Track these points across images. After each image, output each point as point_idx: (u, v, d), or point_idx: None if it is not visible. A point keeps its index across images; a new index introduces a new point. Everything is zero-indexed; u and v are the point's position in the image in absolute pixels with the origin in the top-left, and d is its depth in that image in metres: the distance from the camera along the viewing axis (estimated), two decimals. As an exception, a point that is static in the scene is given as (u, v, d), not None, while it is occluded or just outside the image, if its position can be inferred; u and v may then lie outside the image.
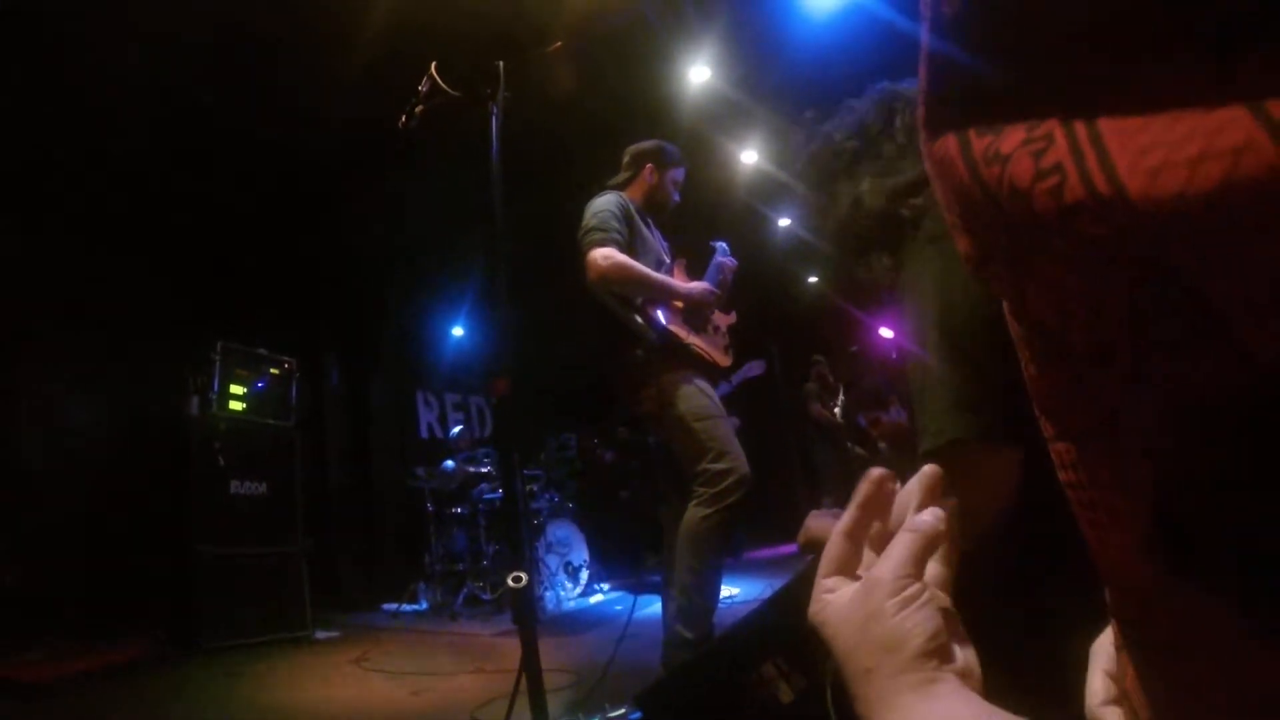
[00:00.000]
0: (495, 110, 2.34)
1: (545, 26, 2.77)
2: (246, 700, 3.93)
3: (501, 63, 2.33)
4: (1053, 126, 0.34)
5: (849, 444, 8.67)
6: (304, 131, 6.08)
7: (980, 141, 0.37)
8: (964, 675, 0.57)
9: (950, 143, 0.39)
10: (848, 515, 0.69)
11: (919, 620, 0.57)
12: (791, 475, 8.57)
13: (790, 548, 9.15)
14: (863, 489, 0.69)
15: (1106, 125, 0.33)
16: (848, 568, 0.67)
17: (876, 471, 0.70)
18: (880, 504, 0.70)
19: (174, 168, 5.97)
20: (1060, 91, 0.35)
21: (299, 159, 6.33)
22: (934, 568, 0.64)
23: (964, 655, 0.59)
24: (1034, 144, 0.35)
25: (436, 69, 2.35)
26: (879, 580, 0.61)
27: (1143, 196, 0.31)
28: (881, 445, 6.45)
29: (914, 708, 0.54)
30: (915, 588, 0.60)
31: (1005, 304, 0.45)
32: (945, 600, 0.63)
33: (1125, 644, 0.48)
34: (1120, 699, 0.66)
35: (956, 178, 0.39)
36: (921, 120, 0.42)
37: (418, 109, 2.43)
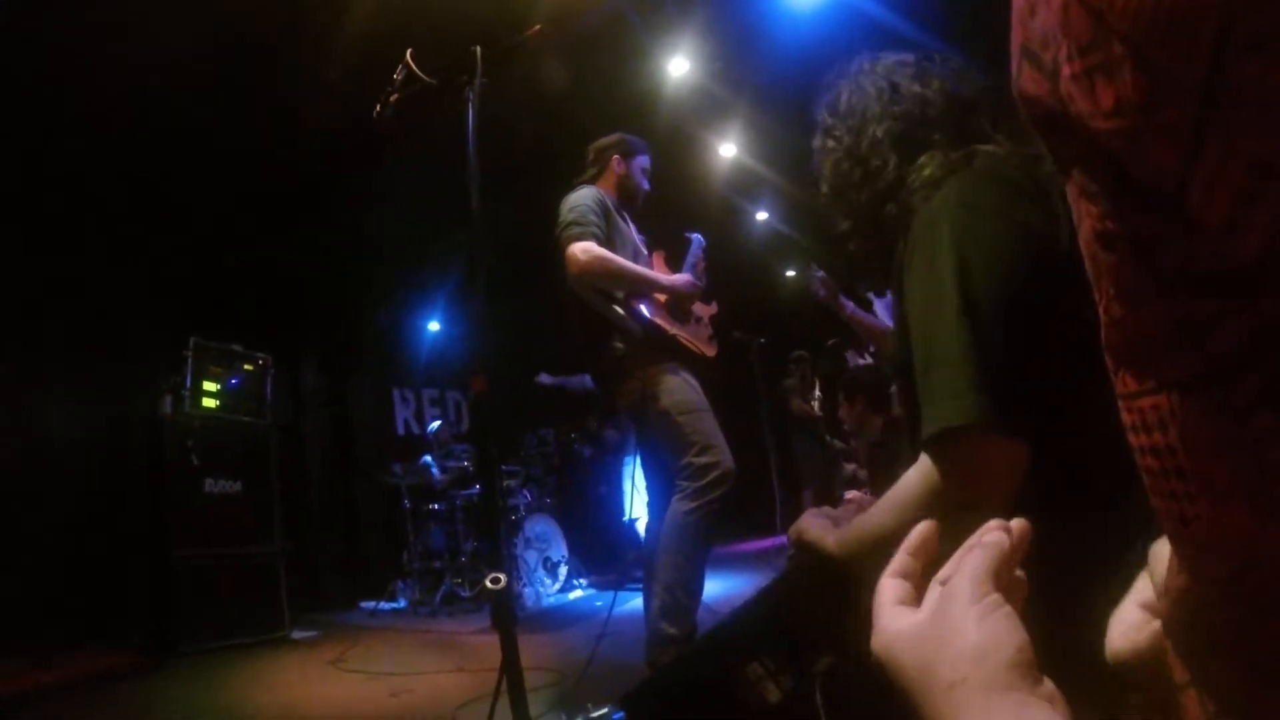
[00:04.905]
0: (472, 96, 2.29)
1: (524, 15, 2.72)
2: (224, 706, 3.86)
3: (479, 48, 2.29)
4: None
5: (828, 438, 8.69)
6: (281, 127, 5.99)
7: None
8: (1052, 701, 0.52)
9: None
10: (897, 559, 0.67)
11: (1007, 629, 0.54)
12: (769, 470, 8.56)
13: (767, 542, 9.17)
14: (912, 539, 0.67)
15: None
16: (910, 601, 0.63)
17: (929, 524, 0.68)
18: (927, 555, 0.67)
19: (149, 164, 5.85)
20: None
21: (276, 154, 6.23)
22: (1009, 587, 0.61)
23: (1048, 681, 0.54)
24: None
25: (412, 56, 2.31)
26: (956, 592, 0.58)
27: None
28: (853, 438, 6.47)
29: None
30: (995, 598, 0.56)
31: (1090, 225, 0.39)
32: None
33: (1191, 638, 0.43)
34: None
35: None
36: None
37: (393, 98, 2.38)
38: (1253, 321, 0.32)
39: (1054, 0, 0.36)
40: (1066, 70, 0.36)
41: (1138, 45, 0.31)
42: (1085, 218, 0.40)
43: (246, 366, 6.09)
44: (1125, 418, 0.41)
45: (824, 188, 1.71)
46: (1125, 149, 0.34)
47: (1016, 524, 0.63)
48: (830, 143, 1.68)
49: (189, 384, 5.56)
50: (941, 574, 0.63)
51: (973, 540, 0.62)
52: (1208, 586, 0.40)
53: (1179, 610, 0.44)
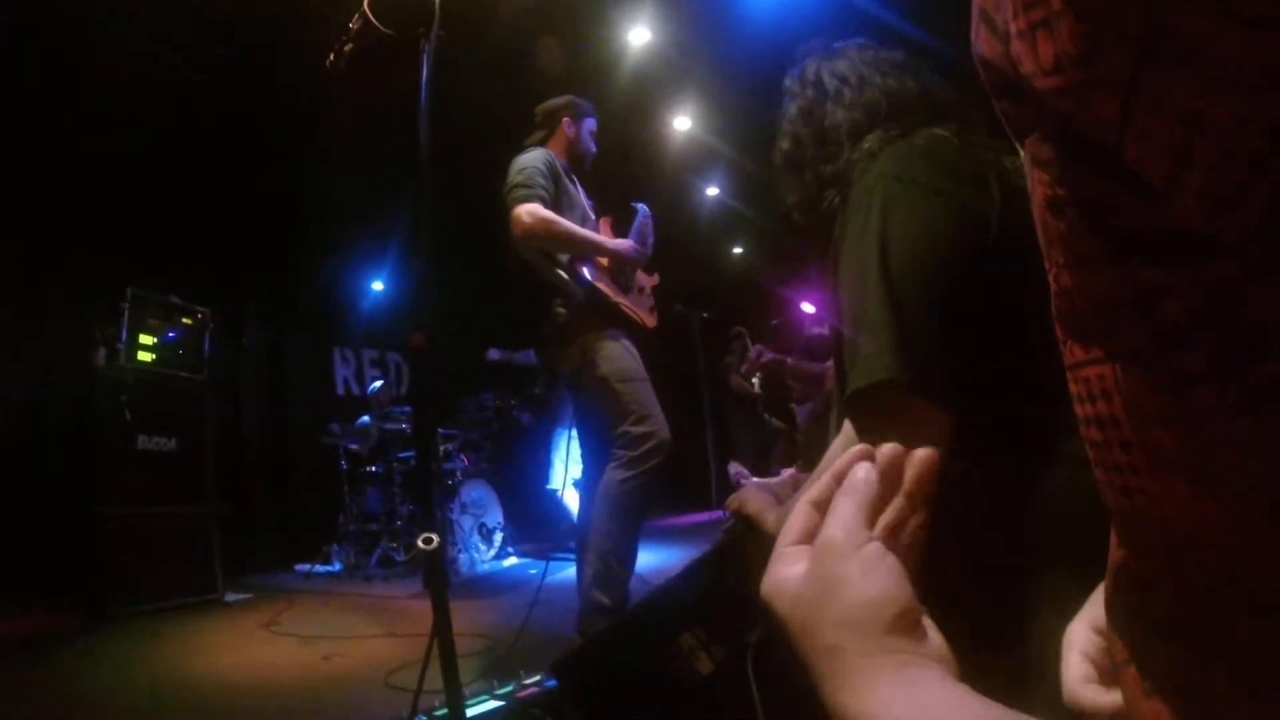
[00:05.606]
0: (427, 49, 2.25)
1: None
2: (154, 670, 3.78)
3: (438, 0, 2.24)
4: None
5: (766, 416, 8.76)
6: (228, 75, 5.83)
7: None
8: (939, 659, 0.52)
9: None
10: (820, 484, 0.64)
11: (886, 585, 0.53)
12: (706, 444, 8.64)
13: (701, 516, 9.25)
14: (842, 462, 0.63)
15: None
16: (811, 539, 0.61)
17: (857, 448, 0.64)
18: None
19: (98, 111, 5.66)
20: None
21: (222, 103, 6.06)
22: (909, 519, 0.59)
23: (935, 635, 0.54)
24: None
25: (369, 6, 2.25)
26: (830, 541, 0.56)
27: None
28: (798, 412, 6.53)
29: (892, 694, 0.49)
30: (874, 547, 0.55)
31: (1041, 193, 0.38)
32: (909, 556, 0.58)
33: (1128, 615, 0.43)
34: (1104, 677, 0.64)
35: None
36: None
37: (347, 48, 2.32)
38: (1198, 291, 0.31)
39: None
40: (1013, 28, 0.35)
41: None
42: (1037, 185, 0.39)
43: (185, 320, 5.89)
44: (1072, 388, 0.41)
45: (779, 158, 1.72)
46: (1068, 106, 0.33)
47: (920, 455, 0.61)
48: (794, 113, 1.68)
49: (124, 336, 5.36)
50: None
51: (846, 482, 0.60)
52: (1146, 562, 0.40)
53: (1117, 587, 0.44)
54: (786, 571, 0.58)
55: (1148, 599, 0.41)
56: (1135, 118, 0.30)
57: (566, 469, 5.09)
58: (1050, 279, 0.40)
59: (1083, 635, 0.67)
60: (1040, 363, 0.66)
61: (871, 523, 0.57)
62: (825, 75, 1.66)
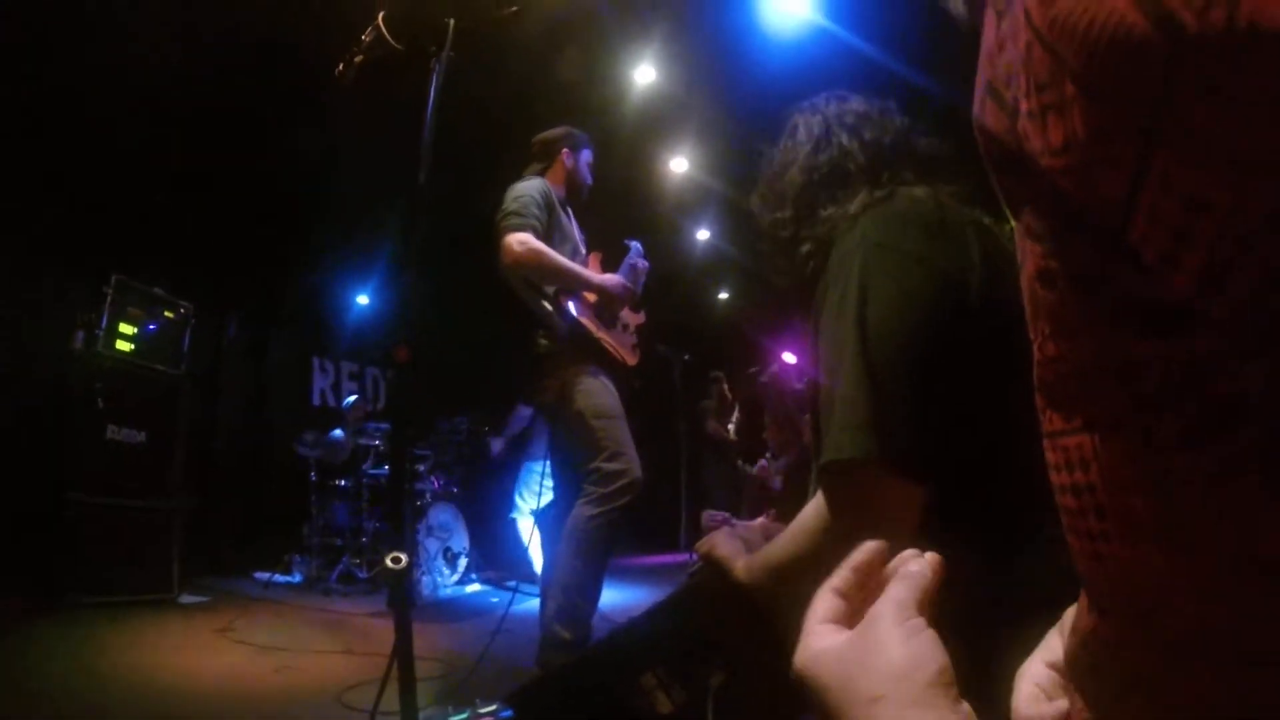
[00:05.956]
0: (438, 68, 2.26)
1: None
2: (104, 664, 3.70)
3: (452, 20, 2.26)
4: None
5: (740, 462, 8.78)
6: (232, 69, 5.81)
7: None
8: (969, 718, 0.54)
9: None
10: (840, 572, 0.67)
11: (930, 649, 0.55)
12: (679, 486, 8.64)
13: (668, 558, 9.22)
14: (858, 555, 0.67)
15: None
16: (840, 620, 0.64)
17: (874, 544, 0.68)
18: (870, 574, 0.67)
19: (98, 95, 5.63)
20: None
21: (224, 98, 6.05)
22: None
23: (965, 705, 0.56)
24: None
25: (383, 20, 2.27)
26: (881, 614, 0.59)
27: None
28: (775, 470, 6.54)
29: None
30: (919, 620, 0.58)
31: (1032, 265, 0.40)
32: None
33: (1094, 675, 0.44)
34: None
35: (1105, 14, 0.31)
36: None
37: (357, 59, 2.33)
38: (1180, 363, 0.32)
39: (1020, 37, 0.37)
40: (1024, 106, 0.37)
41: (1089, 82, 0.32)
42: (1029, 257, 0.41)
43: (167, 313, 5.84)
44: (1049, 456, 0.42)
45: (760, 211, 1.75)
46: (1073, 184, 0.35)
47: (930, 558, 0.64)
48: (778, 167, 1.71)
49: (105, 323, 5.29)
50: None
51: (893, 569, 0.64)
52: (1117, 623, 0.41)
53: (1085, 651, 0.46)
54: (824, 643, 0.61)
55: (1116, 658, 0.42)
56: (1143, 198, 0.31)
57: (538, 495, 5.07)
58: (1035, 349, 0.41)
59: (1035, 669, 0.69)
60: (1019, 439, 0.68)
61: (919, 605, 0.59)
62: (790, 139, 1.70)
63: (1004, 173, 0.41)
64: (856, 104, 1.70)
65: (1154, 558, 0.36)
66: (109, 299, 5.34)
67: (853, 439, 1.26)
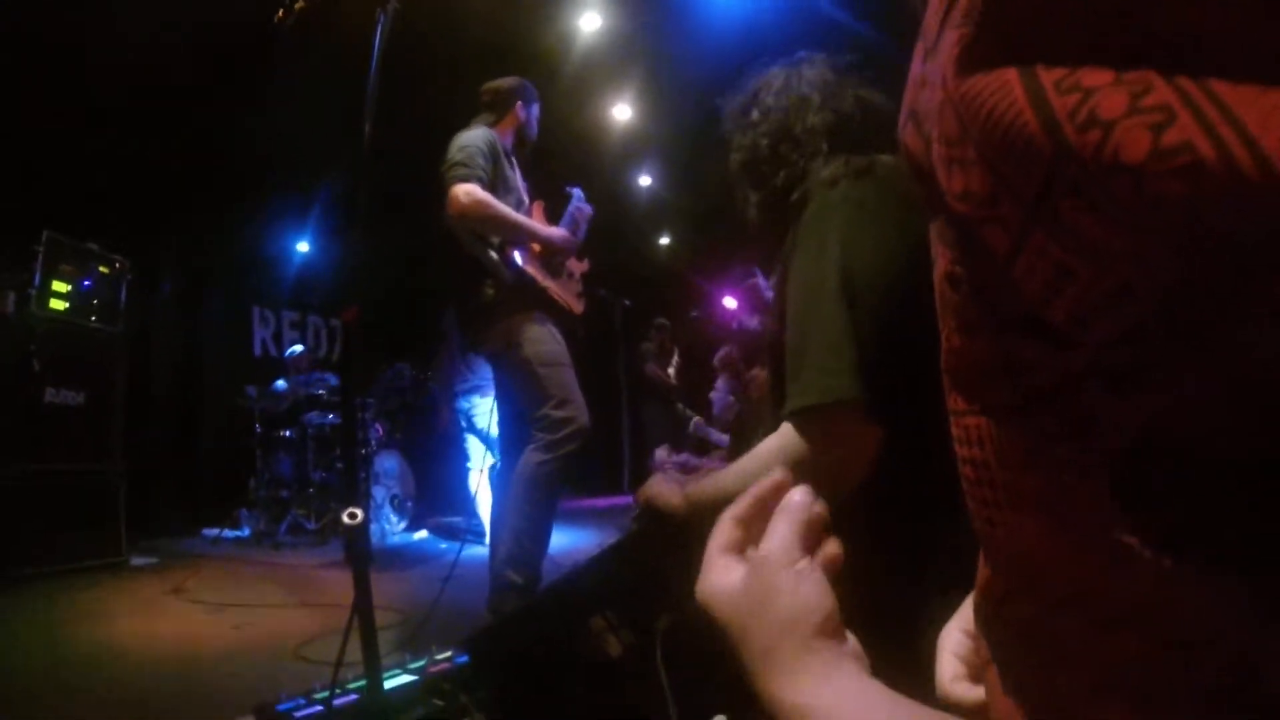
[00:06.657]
0: (383, 15, 2.23)
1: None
2: (55, 636, 3.65)
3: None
4: (1151, 79, 0.32)
5: (680, 405, 8.87)
6: (169, 18, 5.62)
7: (1050, 74, 0.35)
8: (856, 657, 0.60)
9: (1010, 73, 0.36)
10: (742, 501, 0.71)
11: (815, 595, 0.60)
12: (621, 430, 8.72)
13: (613, 500, 9.31)
14: (764, 485, 0.70)
15: (1222, 87, 0.30)
16: (738, 550, 0.68)
17: (778, 475, 0.70)
18: (772, 504, 0.70)
19: (17, 46, 5.41)
20: (1156, 42, 0.33)
21: (158, 46, 5.83)
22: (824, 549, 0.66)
23: (852, 638, 0.62)
24: (1132, 87, 0.32)
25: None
26: (768, 557, 0.63)
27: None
28: (713, 402, 6.64)
29: (818, 686, 0.56)
30: (805, 562, 0.62)
31: (943, 266, 0.45)
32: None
33: (991, 622, 0.51)
34: (972, 674, 0.72)
35: (1006, 106, 0.36)
36: (961, 52, 0.39)
37: (298, 5, 2.28)
38: (1059, 370, 0.38)
39: (936, 94, 0.42)
40: (936, 150, 0.42)
41: (989, 159, 0.37)
42: (940, 258, 0.46)
43: (102, 269, 5.62)
44: (954, 431, 0.48)
45: (737, 156, 1.77)
46: (969, 226, 0.40)
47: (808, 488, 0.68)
48: (757, 116, 1.74)
49: (37, 282, 5.08)
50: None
51: (783, 505, 0.67)
52: (1006, 580, 0.47)
53: (984, 601, 0.51)
54: (722, 579, 0.65)
55: (1007, 610, 0.48)
56: (1022, 257, 0.37)
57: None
58: (943, 339, 0.47)
59: (954, 637, 0.76)
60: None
61: (804, 542, 0.64)
62: (795, 83, 1.72)
63: (921, 183, 0.46)
64: (836, 60, 1.74)
65: (1035, 529, 0.42)
66: (41, 257, 5.13)
67: (839, 383, 1.34)
